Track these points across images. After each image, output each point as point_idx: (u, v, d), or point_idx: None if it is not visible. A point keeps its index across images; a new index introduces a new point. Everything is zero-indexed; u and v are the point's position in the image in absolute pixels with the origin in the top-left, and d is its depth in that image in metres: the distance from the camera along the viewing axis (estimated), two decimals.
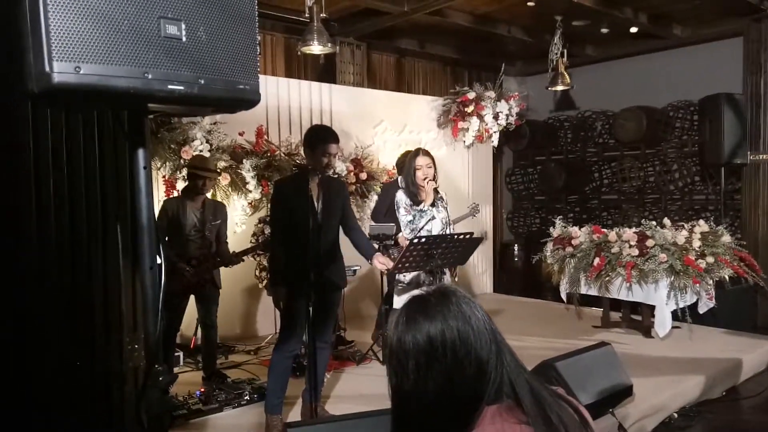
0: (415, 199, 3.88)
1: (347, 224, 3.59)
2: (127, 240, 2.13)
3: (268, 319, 5.73)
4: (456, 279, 4.06)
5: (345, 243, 3.67)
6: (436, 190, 3.92)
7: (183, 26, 1.33)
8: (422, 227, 3.84)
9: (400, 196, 3.92)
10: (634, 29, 6.83)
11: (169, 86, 1.31)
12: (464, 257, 3.89)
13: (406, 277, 3.82)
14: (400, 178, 5.10)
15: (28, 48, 1.20)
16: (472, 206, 5.86)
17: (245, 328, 5.69)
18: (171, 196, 4.54)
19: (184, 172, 4.58)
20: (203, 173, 4.20)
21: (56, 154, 2.12)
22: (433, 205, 3.90)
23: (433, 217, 3.88)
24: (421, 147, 4.08)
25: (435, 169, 3.92)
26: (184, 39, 1.33)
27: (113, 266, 2.21)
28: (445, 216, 3.96)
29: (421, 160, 3.86)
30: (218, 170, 4.73)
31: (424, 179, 3.84)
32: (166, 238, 4.06)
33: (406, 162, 4.01)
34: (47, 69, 1.18)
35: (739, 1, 5.73)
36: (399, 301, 3.85)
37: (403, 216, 3.88)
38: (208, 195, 4.45)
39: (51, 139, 2.10)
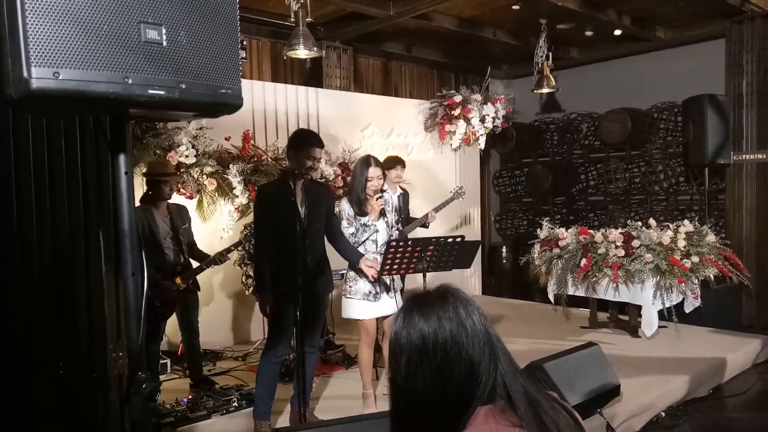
0: (361, 211, 3.68)
1: (331, 231, 3.57)
2: (109, 246, 2.11)
3: (256, 325, 5.71)
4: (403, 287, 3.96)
5: (332, 247, 3.67)
6: (383, 211, 3.72)
7: (163, 31, 1.32)
8: (364, 241, 3.71)
9: (344, 206, 3.68)
10: (618, 32, 6.90)
11: (150, 91, 1.30)
12: (467, 261, 3.86)
13: (353, 286, 3.71)
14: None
15: (6, 54, 1.19)
16: (455, 189, 5.10)
17: (233, 334, 5.66)
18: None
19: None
20: (166, 178, 4.08)
21: (37, 159, 2.10)
22: (379, 216, 3.71)
23: (377, 230, 3.73)
24: (371, 155, 3.78)
25: (384, 179, 3.75)
26: (164, 43, 1.32)
27: (96, 272, 2.19)
28: (390, 219, 3.83)
29: (373, 171, 3.62)
30: (177, 172, 4.51)
31: (374, 192, 3.64)
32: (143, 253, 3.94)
33: (356, 171, 3.73)
34: (26, 75, 1.17)
35: (721, 3, 5.80)
36: (345, 310, 3.78)
37: (345, 228, 3.66)
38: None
39: (32, 145, 2.08)
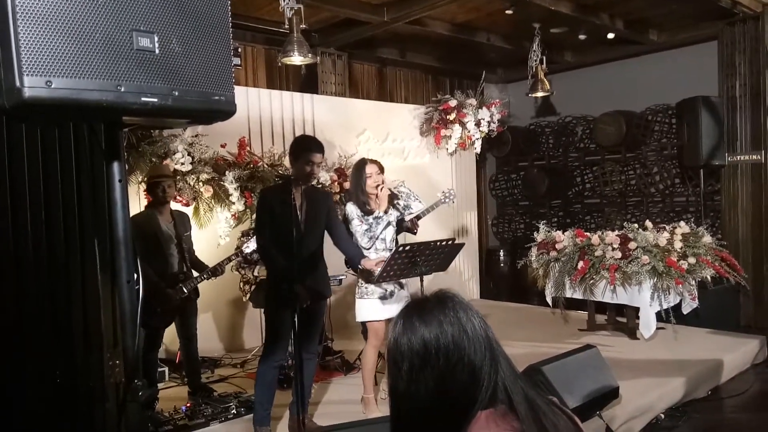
0: (366, 209, 3.83)
1: (335, 234, 3.59)
2: (105, 254, 2.11)
3: (254, 332, 5.69)
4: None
5: (330, 252, 3.67)
6: (390, 196, 3.90)
7: (156, 39, 1.32)
8: (379, 235, 3.82)
9: (351, 209, 3.84)
10: (611, 35, 6.93)
11: (143, 98, 1.30)
12: (446, 264, 3.88)
13: (368, 287, 3.76)
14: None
15: None
16: (444, 193, 4.79)
17: (231, 341, 5.64)
18: (139, 211, 4.26)
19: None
20: (160, 179, 4.07)
21: (32, 167, 2.09)
22: (386, 211, 3.87)
23: (389, 223, 3.88)
24: (366, 157, 4.09)
25: (383, 174, 3.92)
26: (157, 51, 1.32)
27: (92, 281, 2.19)
28: (395, 218, 3.96)
29: (369, 169, 3.87)
30: (170, 174, 4.45)
31: (377, 186, 3.83)
32: (146, 257, 3.93)
33: (353, 174, 3.97)
34: (18, 84, 1.17)
35: (713, 5, 5.83)
36: (358, 312, 3.84)
37: (358, 226, 3.81)
38: (179, 207, 4.35)
39: (26, 153, 2.08)
